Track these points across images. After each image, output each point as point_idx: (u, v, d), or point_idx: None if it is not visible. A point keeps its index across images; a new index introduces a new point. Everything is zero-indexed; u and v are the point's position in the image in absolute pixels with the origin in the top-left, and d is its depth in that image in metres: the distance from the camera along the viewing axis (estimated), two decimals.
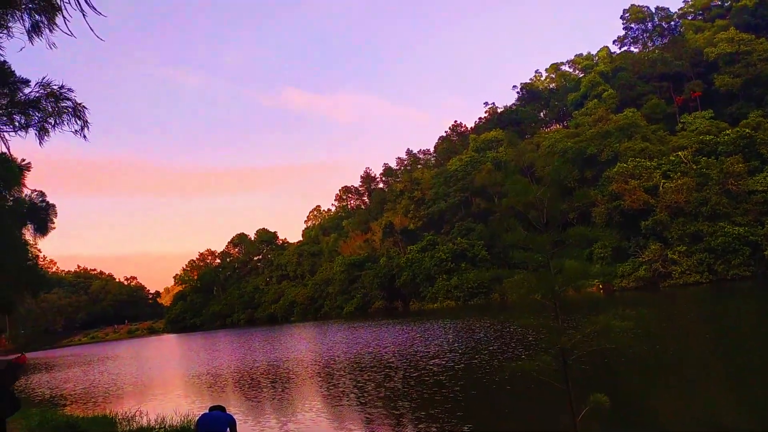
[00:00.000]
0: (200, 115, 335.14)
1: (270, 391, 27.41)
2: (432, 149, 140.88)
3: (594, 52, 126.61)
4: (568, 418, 9.36)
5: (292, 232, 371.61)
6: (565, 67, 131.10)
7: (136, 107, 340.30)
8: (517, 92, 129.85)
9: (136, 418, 19.44)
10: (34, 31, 10.20)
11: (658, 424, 15.41)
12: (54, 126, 12.00)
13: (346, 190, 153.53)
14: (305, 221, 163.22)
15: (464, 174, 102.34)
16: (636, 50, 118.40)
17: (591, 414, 9.18)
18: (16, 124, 11.98)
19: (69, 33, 7.66)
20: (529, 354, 24.77)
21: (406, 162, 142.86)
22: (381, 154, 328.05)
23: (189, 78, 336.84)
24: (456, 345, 34.49)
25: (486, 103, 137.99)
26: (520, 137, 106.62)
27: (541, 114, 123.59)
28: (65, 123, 11.96)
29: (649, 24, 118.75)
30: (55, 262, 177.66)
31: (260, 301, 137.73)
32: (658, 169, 72.54)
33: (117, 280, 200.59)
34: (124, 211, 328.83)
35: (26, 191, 31.44)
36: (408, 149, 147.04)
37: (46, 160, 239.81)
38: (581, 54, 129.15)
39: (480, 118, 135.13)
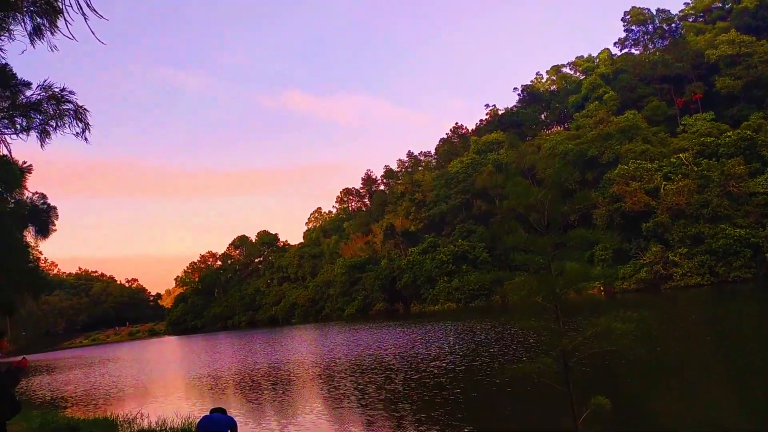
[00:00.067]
0: (201, 117, 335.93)
1: (271, 393, 27.40)
2: (433, 151, 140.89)
3: (595, 54, 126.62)
4: (569, 420, 9.36)
5: (293, 234, 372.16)
6: (566, 69, 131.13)
7: (137, 109, 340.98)
8: (518, 94, 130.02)
9: (137, 420, 19.45)
10: (36, 34, 10.21)
11: (660, 426, 15.39)
12: (55, 128, 11.99)
13: (347, 192, 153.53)
14: (306, 223, 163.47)
15: (465, 176, 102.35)
16: (637, 52, 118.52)
17: (592, 416, 9.18)
18: (18, 126, 11.99)
19: (71, 36, 7.66)
20: (530, 356, 24.76)
21: (407, 164, 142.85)
22: (382, 155, 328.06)
23: (189, 79, 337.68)
24: (457, 347, 34.47)
25: (487, 105, 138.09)
26: (521, 139, 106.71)
27: (542, 116, 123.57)
28: (66, 125, 11.96)
29: (650, 26, 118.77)
30: (56, 264, 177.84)
31: (261, 303, 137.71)
32: (659, 171, 72.51)
33: (118, 282, 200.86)
34: (125, 213, 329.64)
35: (27, 193, 31.47)
36: (409, 151, 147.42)
37: (48, 162, 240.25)
38: (582, 56, 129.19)
39: (481, 120, 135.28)
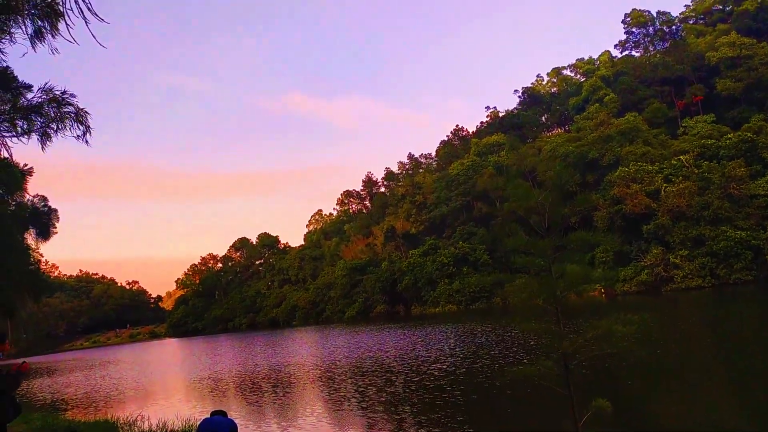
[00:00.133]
0: (201, 119, 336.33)
1: (271, 395, 27.38)
2: (434, 153, 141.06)
3: (595, 57, 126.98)
4: (570, 423, 9.35)
5: (293, 236, 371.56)
6: (567, 72, 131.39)
7: (138, 110, 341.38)
8: (519, 96, 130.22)
9: (138, 422, 19.40)
10: (37, 37, 10.23)
11: (661, 428, 15.37)
12: (56, 131, 12.02)
13: (347, 194, 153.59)
14: (307, 225, 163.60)
15: (466, 178, 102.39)
16: (637, 54, 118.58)
17: (593, 419, 9.17)
18: (19, 129, 12.01)
19: (72, 40, 7.67)
20: (530, 359, 24.72)
21: (407, 166, 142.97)
22: (382, 158, 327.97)
23: (189, 80, 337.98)
24: (457, 349, 34.44)
25: (488, 107, 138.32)
26: (521, 141, 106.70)
27: (543, 118, 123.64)
28: (67, 128, 11.98)
29: (651, 28, 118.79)
30: (57, 267, 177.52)
31: (262, 306, 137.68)
32: (660, 173, 72.50)
33: (119, 284, 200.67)
34: (125, 215, 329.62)
35: (28, 196, 31.54)
36: (410, 153, 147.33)
37: (49, 164, 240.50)
38: (583, 58, 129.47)
39: (481, 122, 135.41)
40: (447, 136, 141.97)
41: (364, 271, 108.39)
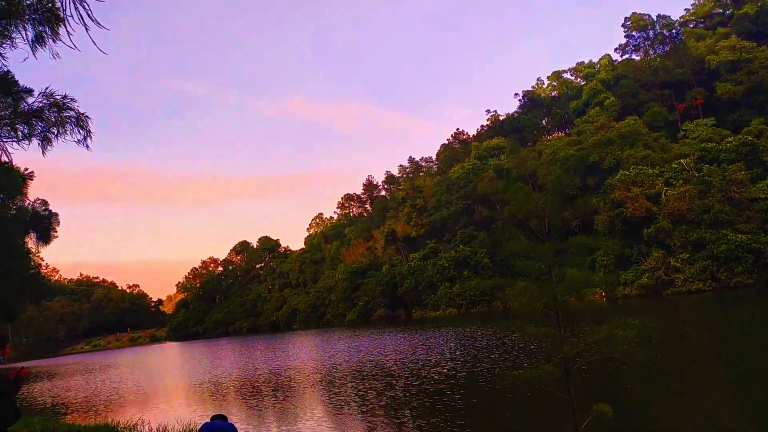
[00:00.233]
0: (203, 123, 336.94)
1: (271, 399, 27.35)
2: (434, 157, 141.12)
3: (596, 60, 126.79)
4: (570, 427, 9.34)
5: (294, 239, 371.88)
6: (567, 75, 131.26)
7: (139, 114, 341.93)
8: (519, 100, 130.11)
9: (138, 427, 19.40)
10: (38, 41, 10.25)
11: (661, 431, 15.34)
12: (57, 136, 12.03)
13: (348, 197, 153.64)
14: (307, 229, 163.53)
15: (466, 182, 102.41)
16: (637, 58, 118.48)
17: (593, 423, 9.15)
18: (20, 134, 12.02)
19: (72, 46, 7.68)
20: (531, 362, 24.69)
21: (408, 169, 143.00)
22: (383, 161, 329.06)
23: (188, 84, 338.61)
24: (458, 353, 34.42)
25: (488, 111, 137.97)
26: (522, 145, 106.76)
27: (543, 122, 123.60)
28: (68, 133, 12.00)
29: (651, 32, 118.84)
30: (58, 270, 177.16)
31: (262, 309, 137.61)
32: (661, 177, 72.50)
33: (119, 288, 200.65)
34: (126, 219, 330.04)
35: (29, 200, 31.54)
36: (410, 157, 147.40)
37: (49, 169, 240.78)
38: (583, 62, 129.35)
39: (482, 126, 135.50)
40: (447, 139, 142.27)
41: (365, 274, 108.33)
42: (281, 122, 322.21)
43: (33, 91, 12.32)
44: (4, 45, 10.68)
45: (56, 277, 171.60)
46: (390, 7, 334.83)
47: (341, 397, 24.84)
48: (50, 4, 10.27)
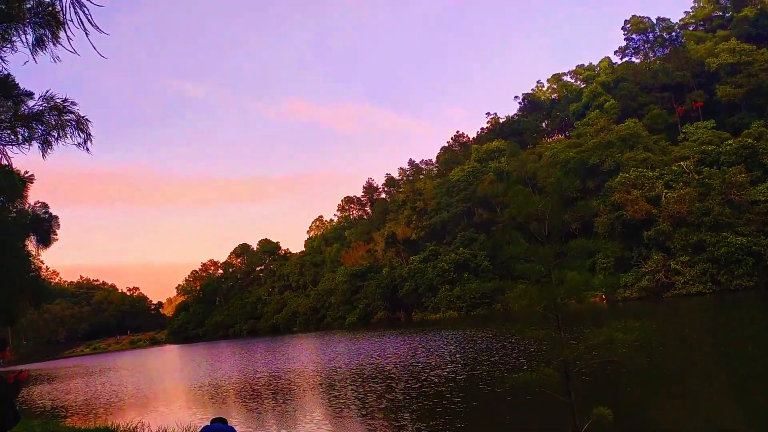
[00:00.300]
0: (202, 125, 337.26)
1: (271, 402, 27.33)
2: (434, 159, 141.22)
3: (595, 63, 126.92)
4: (570, 430, 9.33)
5: (294, 242, 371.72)
6: (567, 78, 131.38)
7: (138, 117, 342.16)
8: (519, 102, 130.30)
9: (138, 430, 19.37)
10: (38, 45, 10.27)
11: None
12: (57, 139, 12.04)
13: (348, 200, 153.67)
14: (308, 231, 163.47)
15: (466, 184, 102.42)
16: (637, 61, 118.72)
17: (593, 425, 9.15)
18: (20, 137, 12.03)
19: (72, 50, 7.69)
20: (531, 365, 24.67)
21: (408, 172, 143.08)
22: (383, 164, 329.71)
23: (188, 86, 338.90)
24: (458, 356, 34.39)
25: (488, 114, 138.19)
26: (522, 147, 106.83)
27: (543, 124, 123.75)
28: (68, 136, 12.01)
29: (651, 35, 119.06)
30: (58, 273, 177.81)
31: (263, 312, 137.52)
32: (661, 179, 72.48)
33: (119, 290, 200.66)
34: (126, 222, 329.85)
35: (29, 203, 31.57)
36: (410, 159, 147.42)
37: (50, 171, 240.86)
38: (583, 64, 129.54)
39: (482, 129, 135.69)
40: (447, 142, 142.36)
41: (365, 277, 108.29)
42: (281, 123, 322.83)
43: (33, 94, 12.34)
44: (5, 48, 10.70)
45: (56, 280, 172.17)
46: (390, 8, 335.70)
47: (341, 400, 24.82)
48: (51, 8, 10.29)
